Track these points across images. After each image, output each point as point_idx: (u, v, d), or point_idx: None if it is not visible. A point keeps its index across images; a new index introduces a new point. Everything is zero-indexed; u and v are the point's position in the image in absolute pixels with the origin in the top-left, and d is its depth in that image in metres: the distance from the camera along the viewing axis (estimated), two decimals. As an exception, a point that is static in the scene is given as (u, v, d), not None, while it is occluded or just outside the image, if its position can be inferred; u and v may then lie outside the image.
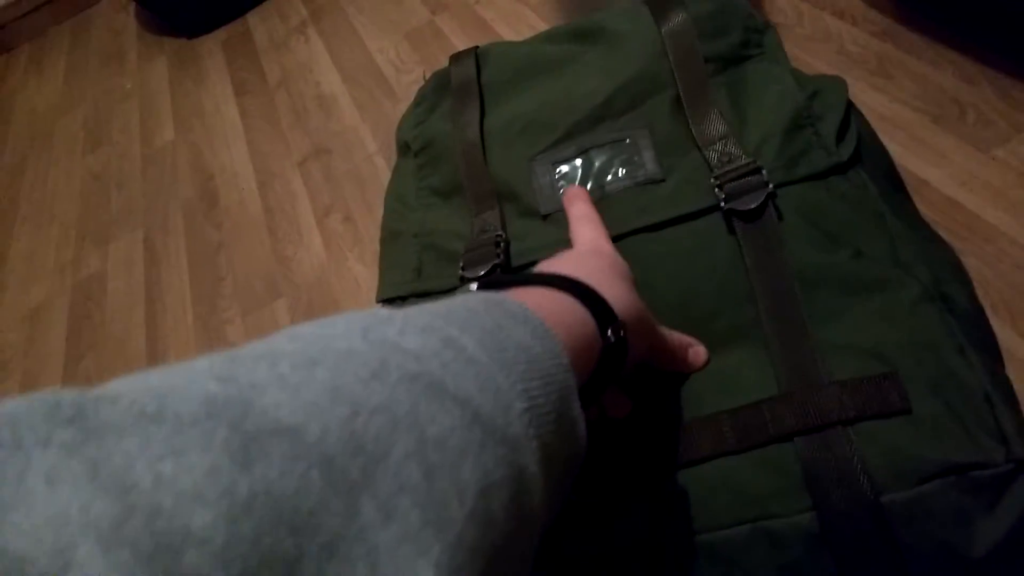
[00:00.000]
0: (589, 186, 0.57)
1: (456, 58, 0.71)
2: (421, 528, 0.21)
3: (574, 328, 0.35)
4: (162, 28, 2.13)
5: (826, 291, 0.46)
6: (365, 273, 1.22)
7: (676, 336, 0.47)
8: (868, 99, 1.02)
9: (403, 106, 1.48)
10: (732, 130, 0.54)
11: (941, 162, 0.93)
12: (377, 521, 0.20)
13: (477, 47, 0.72)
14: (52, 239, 1.72)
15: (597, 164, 0.57)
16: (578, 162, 0.58)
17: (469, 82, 0.68)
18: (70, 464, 0.17)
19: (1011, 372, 0.48)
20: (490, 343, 0.29)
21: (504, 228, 0.58)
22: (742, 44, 0.60)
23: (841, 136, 0.53)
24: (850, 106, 0.56)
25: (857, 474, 0.39)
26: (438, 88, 0.71)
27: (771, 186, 0.50)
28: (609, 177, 0.56)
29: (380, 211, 0.71)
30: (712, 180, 0.51)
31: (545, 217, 0.57)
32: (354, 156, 1.47)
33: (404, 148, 0.71)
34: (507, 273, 0.55)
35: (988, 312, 0.51)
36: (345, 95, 1.60)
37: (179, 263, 1.46)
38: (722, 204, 0.50)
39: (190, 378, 0.21)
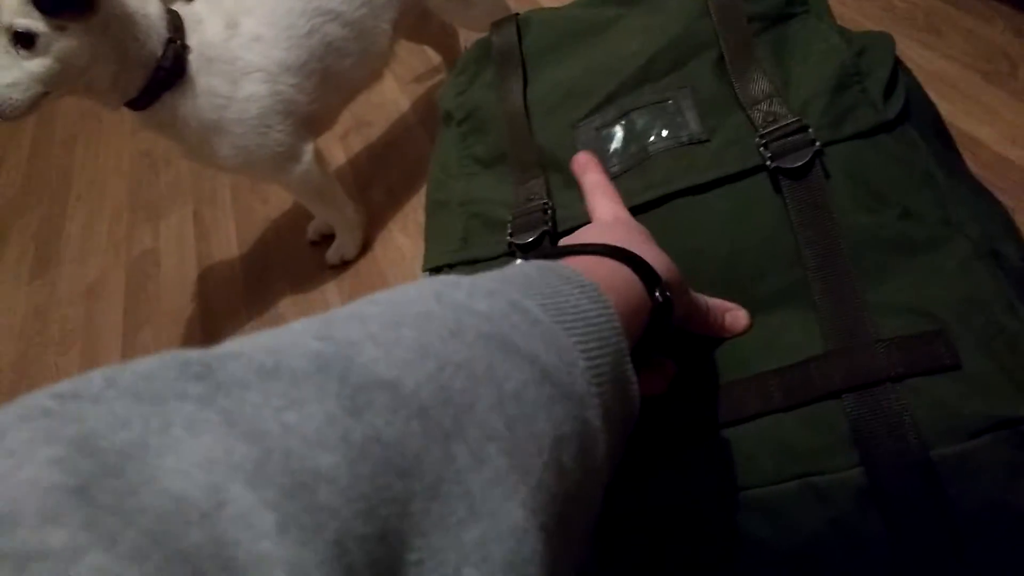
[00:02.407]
0: (632, 148, 0.57)
1: (497, 26, 0.71)
2: (508, 472, 0.23)
3: (624, 291, 0.36)
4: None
5: (874, 251, 0.46)
6: (409, 244, 1.24)
7: (713, 300, 0.48)
8: (916, 56, 1.00)
9: (441, 77, 1.48)
10: (777, 89, 0.54)
11: (992, 119, 0.91)
12: (471, 465, 0.22)
13: (518, 14, 0.72)
14: (105, 215, 1.78)
15: (639, 126, 0.57)
16: (620, 125, 0.58)
17: (511, 50, 0.68)
18: (206, 414, 0.19)
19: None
20: (551, 306, 0.30)
21: (549, 196, 0.59)
22: (786, 2, 0.59)
23: (888, 93, 0.52)
24: (897, 63, 0.55)
25: (906, 429, 0.39)
26: (480, 56, 0.71)
27: (817, 144, 0.49)
28: (652, 138, 0.56)
29: (422, 182, 0.72)
30: (757, 139, 0.51)
31: None
32: (395, 128, 1.49)
33: (447, 118, 0.72)
34: (555, 239, 0.56)
35: (1039, 271, 0.51)
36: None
37: (228, 237, 1.49)
38: (768, 163, 0.50)
39: (294, 337, 0.23)
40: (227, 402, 0.20)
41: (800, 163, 0.49)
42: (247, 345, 0.23)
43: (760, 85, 0.54)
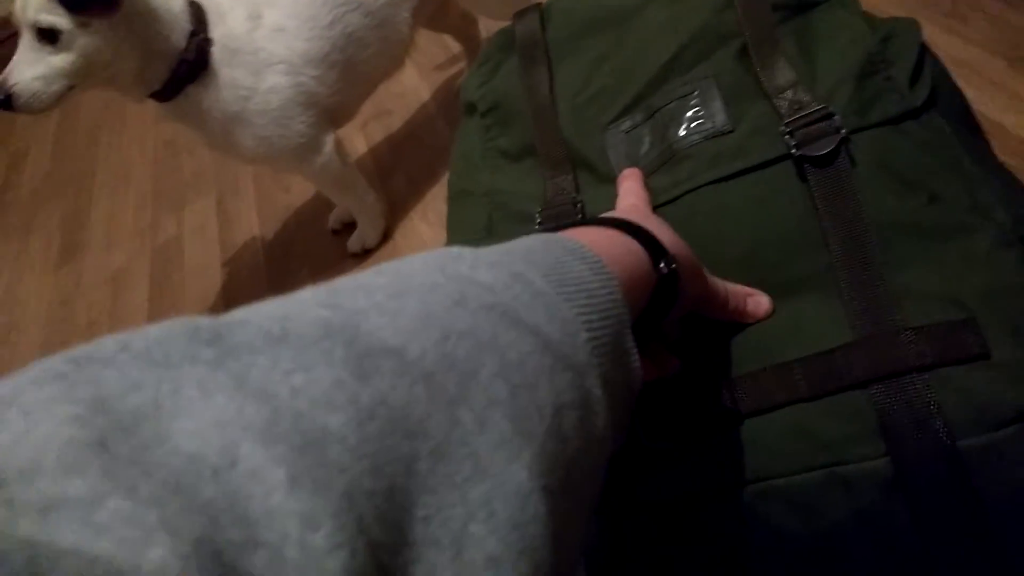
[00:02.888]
0: (661, 146, 0.57)
1: (520, 15, 0.71)
2: (512, 436, 0.24)
3: (627, 263, 0.36)
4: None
5: (901, 237, 0.46)
6: (430, 232, 1.25)
7: (733, 285, 0.48)
8: (942, 42, 0.99)
9: (462, 66, 1.49)
10: (802, 77, 0.54)
11: (1018, 106, 0.90)
12: (475, 429, 0.23)
13: (540, 3, 0.72)
14: (130, 204, 1.80)
15: (667, 123, 0.57)
16: (648, 125, 0.58)
17: (535, 40, 0.68)
18: (217, 377, 0.20)
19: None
20: (553, 277, 0.31)
21: (579, 192, 0.59)
22: None
23: (915, 80, 0.52)
24: (924, 49, 0.54)
25: (933, 419, 0.39)
26: (503, 46, 0.71)
27: (844, 131, 0.49)
28: (682, 132, 0.57)
29: (443, 172, 0.72)
30: (782, 127, 0.51)
31: None
32: (415, 117, 1.49)
33: (470, 108, 0.72)
34: None
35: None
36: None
37: (251, 226, 1.51)
38: (793, 151, 0.50)
39: (302, 306, 0.24)
40: (237, 365, 0.20)
41: (826, 151, 0.49)
42: (255, 313, 0.24)
43: (785, 74, 0.54)
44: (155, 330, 0.21)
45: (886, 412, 0.40)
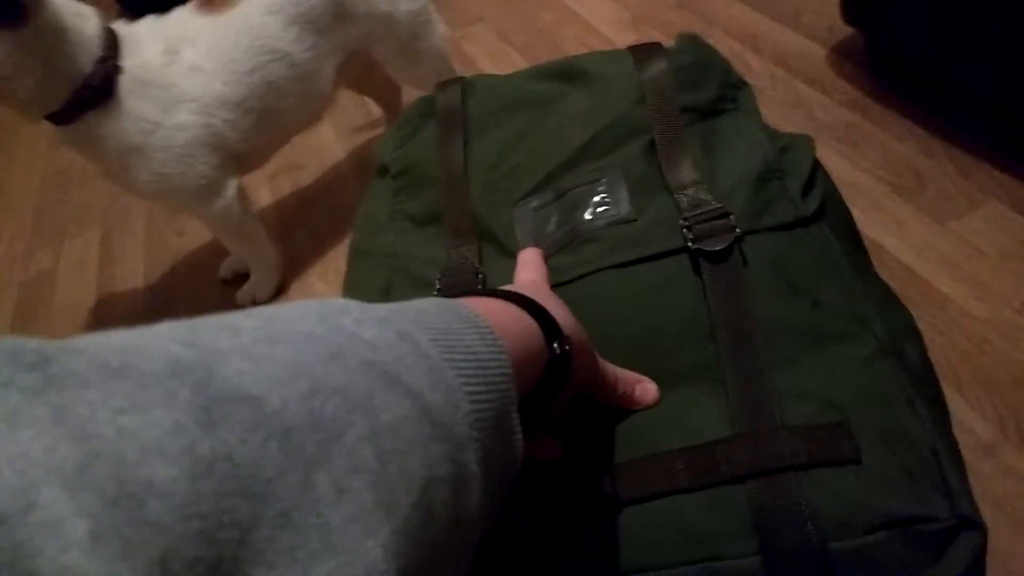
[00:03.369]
0: (567, 227, 0.58)
1: (443, 86, 0.72)
2: (372, 509, 0.21)
3: (521, 339, 0.35)
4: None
5: (785, 338, 0.47)
6: (326, 290, 1.21)
7: (623, 371, 0.48)
8: (834, 164, 1.06)
9: (380, 131, 1.48)
10: (703, 177, 0.56)
11: (899, 230, 0.96)
12: (331, 496, 0.20)
13: (463, 77, 0.72)
14: (5, 232, 1.68)
15: (574, 205, 0.58)
16: (556, 205, 0.59)
17: (454, 111, 0.68)
18: (32, 408, 0.17)
19: (956, 435, 0.50)
20: (442, 342, 0.29)
21: (481, 263, 0.58)
22: (718, 98, 0.62)
23: (807, 191, 0.55)
24: (816, 164, 0.58)
25: (805, 520, 0.39)
26: (423, 113, 0.71)
27: (737, 231, 0.51)
28: (588, 216, 0.57)
29: (348, 232, 0.70)
30: (681, 221, 0.53)
31: None
32: (327, 175, 1.47)
33: (382, 170, 0.71)
34: None
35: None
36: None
37: (135, 267, 1.43)
38: (690, 244, 0.51)
39: (152, 340, 0.21)
40: (59, 398, 0.18)
41: (720, 247, 0.51)
42: (95, 341, 0.21)
43: (688, 172, 0.56)
44: None
45: (761, 510, 0.40)
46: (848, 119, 1.12)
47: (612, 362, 0.47)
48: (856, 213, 1.01)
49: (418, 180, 0.66)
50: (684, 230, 0.52)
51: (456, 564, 0.27)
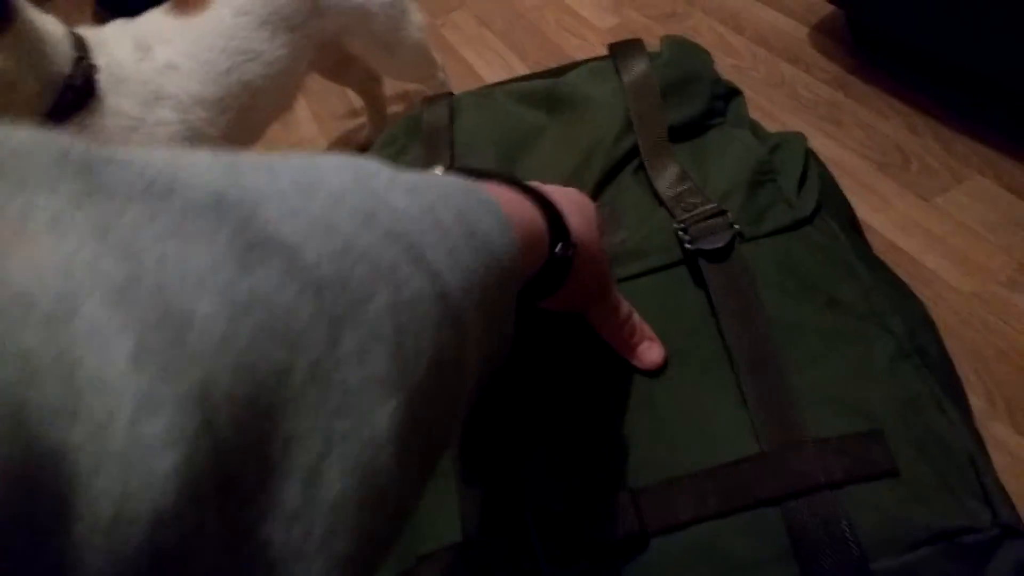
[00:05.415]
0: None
1: (430, 102, 0.69)
2: (387, 376, 0.21)
3: (527, 230, 0.35)
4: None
5: (803, 339, 0.45)
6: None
7: (640, 319, 0.46)
8: (817, 144, 1.06)
9: (361, 120, 1.47)
10: (695, 186, 0.55)
11: (884, 207, 0.96)
12: (354, 357, 0.20)
13: (452, 94, 0.71)
14: None
15: None
16: None
17: (441, 131, 0.66)
18: (75, 215, 0.16)
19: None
20: (464, 222, 0.29)
21: None
22: (706, 113, 0.60)
23: (801, 187, 0.53)
24: (809, 158, 0.56)
25: (846, 541, 0.38)
26: (409, 131, 0.68)
27: (736, 227, 0.49)
28: None
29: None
30: (675, 224, 0.51)
31: None
32: (310, 168, 1.46)
33: None
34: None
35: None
36: (304, 108, 1.59)
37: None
38: (687, 245, 0.50)
39: (196, 167, 0.21)
40: (103, 209, 0.17)
41: (720, 245, 0.49)
42: (142, 155, 0.20)
43: (678, 183, 0.55)
44: (18, 138, 0.17)
45: (799, 532, 0.39)
46: (831, 97, 1.12)
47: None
48: (841, 192, 1.02)
49: None
50: (680, 233, 0.50)
51: (441, 439, 0.27)
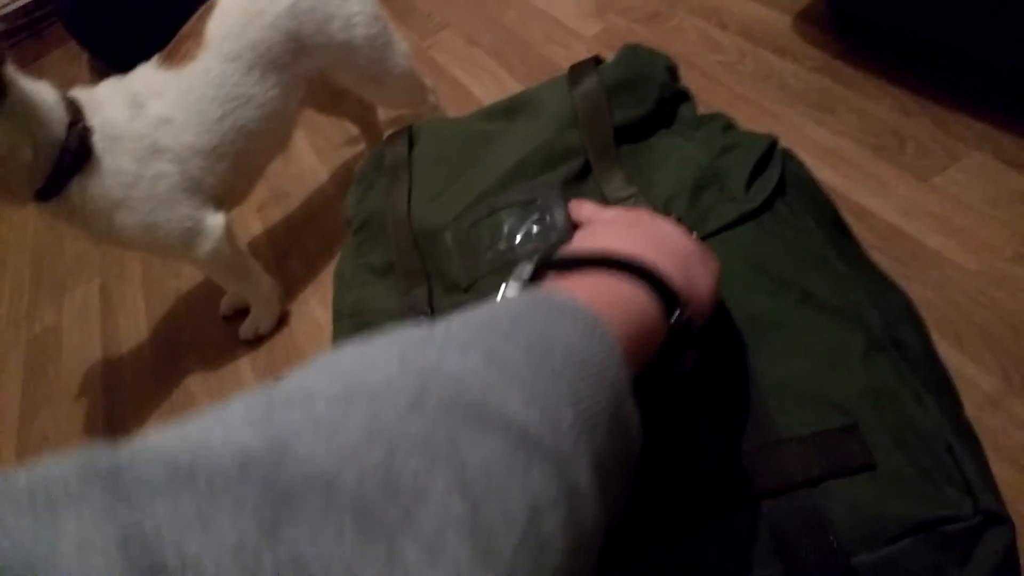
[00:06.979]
0: (501, 246, 0.57)
1: (391, 138, 0.72)
2: (471, 564, 0.20)
3: (630, 316, 0.33)
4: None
5: (777, 334, 0.46)
6: (326, 316, 1.22)
7: None
8: (811, 132, 1.06)
9: (361, 148, 1.49)
10: (640, 190, 0.56)
11: (883, 191, 0.96)
12: (423, 561, 0.20)
13: (411, 126, 0.73)
14: (5, 291, 1.69)
15: (507, 224, 0.58)
16: (489, 222, 0.58)
17: (400, 160, 0.69)
18: (104, 530, 0.17)
19: (961, 391, 0.50)
20: (537, 351, 0.28)
21: (431, 304, 0.58)
22: (654, 114, 0.61)
23: (750, 186, 0.54)
24: (769, 155, 0.56)
25: (827, 537, 0.38)
26: (376, 166, 0.71)
27: (679, 219, 0.50)
28: (519, 238, 0.56)
29: (338, 253, 0.71)
30: None
31: (466, 289, 0.57)
32: (313, 198, 1.47)
33: (348, 226, 0.72)
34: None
35: (935, 337, 0.52)
36: (303, 140, 1.60)
37: (136, 313, 1.44)
38: None
39: (226, 428, 0.21)
40: (127, 515, 0.18)
41: None
42: (166, 438, 0.21)
43: (623, 186, 0.56)
44: (47, 466, 0.19)
45: (780, 530, 0.39)
46: (821, 85, 1.12)
47: None
48: (838, 180, 1.02)
49: (374, 232, 0.67)
50: None
51: (583, 572, 0.26)
